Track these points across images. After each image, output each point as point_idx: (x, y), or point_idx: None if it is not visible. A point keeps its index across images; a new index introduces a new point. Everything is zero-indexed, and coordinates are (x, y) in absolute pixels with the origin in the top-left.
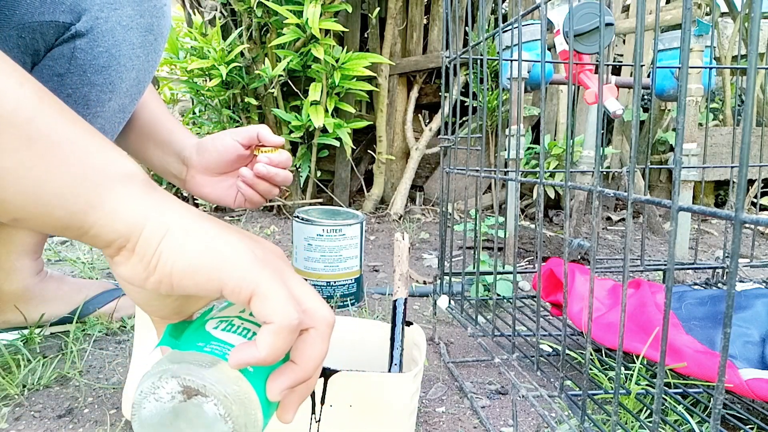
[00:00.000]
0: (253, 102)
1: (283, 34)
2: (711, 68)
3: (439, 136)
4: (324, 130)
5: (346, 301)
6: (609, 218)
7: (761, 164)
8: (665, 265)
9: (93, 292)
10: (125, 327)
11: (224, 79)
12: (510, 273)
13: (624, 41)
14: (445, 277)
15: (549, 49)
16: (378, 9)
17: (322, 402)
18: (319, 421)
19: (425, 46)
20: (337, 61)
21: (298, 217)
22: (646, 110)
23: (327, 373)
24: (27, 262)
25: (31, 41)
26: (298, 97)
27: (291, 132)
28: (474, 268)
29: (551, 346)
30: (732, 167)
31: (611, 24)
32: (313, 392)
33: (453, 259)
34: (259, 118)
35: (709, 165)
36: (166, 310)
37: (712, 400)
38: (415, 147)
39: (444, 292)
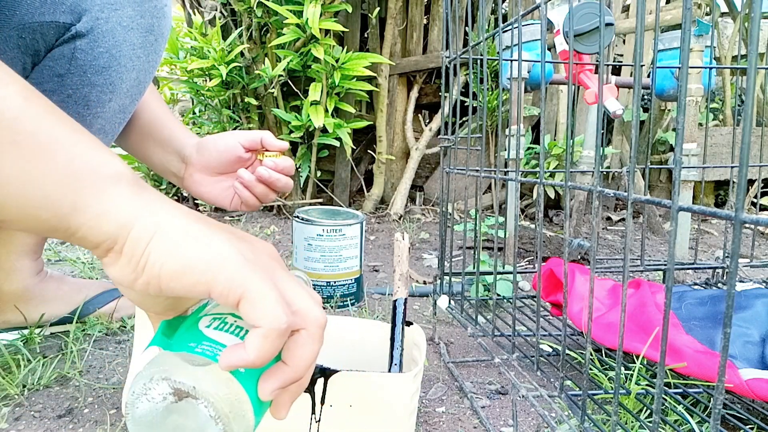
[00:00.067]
0: (253, 102)
1: (283, 34)
2: (711, 68)
3: (439, 136)
4: (324, 130)
5: (346, 301)
6: (609, 218)
7: (761, 164)
8: (665, 265)
9: (93, 292)
10: (125, 327)
11: (224, 79)
12: (510, 273)
13: (624, 41)
14: (445, 277)
15: (549, 49)
16: (378, 9)
17: (322, 402)
18: (319, 421)
19: (425, 46)
20: (337, 61)
21: (298, 217)
22: (646, 110)
23: (327, 373)
24: (27, 263)
25: (31, 42)
26: (298, 97)
27: (291, 132)
28: (474, 268)
29: (551, 346)
30: (732, 167)
31: (611, 24)
32: (313, 392)
33: (453, 259)
34: (259, 118)
35: (709, 165)
36: (159, 307)
37: (712, 400)
38: (415, 147)
39: (444, 292)
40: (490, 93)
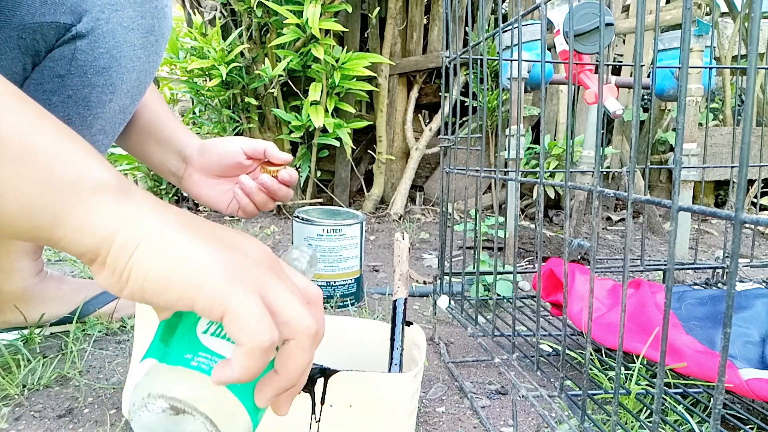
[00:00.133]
0: (253, 102)
1: (283, 34)
2: (711, 68)
3: (439, 136)
4: (324, 130)
5: (346, 301)
6: (609, 218)
7: (761, 164)
8: (665, 265)
9: (93, 292)
10: (125, 327)
11: (224, 79)
12: (510, 273)
13: (624, 41)
14: (445, 277)
15: (549, 49)
16: (378, 9)
17: (322, 402)
18: (319, 421)
19: (425, 46)
20: (337, 61)
21: (298, 217)
22: (646, 110)
23: (327, 373)
24: (27, 263)
25: (31, 42)
26: (298, 97)
27: (291, 132)
28: (474, 268)
29: (551, 346)
30: (732, 167)
31: (611, 24)
32: (313, 392)
33: (453, 259)
34: (259, 118)
35: (709, 165)
36: (156, 307)
37: (712, 400)
38: (415, 147)
39: (444, 292)
40: (490, 93)
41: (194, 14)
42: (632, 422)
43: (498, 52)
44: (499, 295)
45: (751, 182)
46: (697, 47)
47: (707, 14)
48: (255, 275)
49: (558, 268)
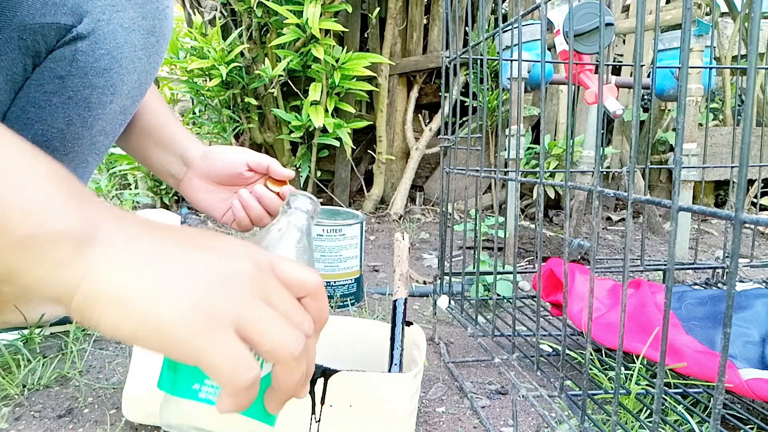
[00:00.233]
0: (253, 102)
1: (283, 34)
2: (711, 68)
3: (439, 136)
4: (324, 130)
5: (346, 301)
6: (609, 218)
7: (761, 164)
8: (665, 265)
9: None
10: None
11: (224, 79)
12: (510, 273)
13: (624, 41)
14: (445, 277)
15: (549, 49)
16: (378, 9)
17: (322, 402)
18: (319, 421)
19: (425, 46)
20: (337, 61)
21: None
22: (646, 110)
23: (327, 373)
24: None
25: (32, 43)
26: (298, 97)
27: (291, 132)
28: (474, 268)
29: (551, 346)
30: (732, 167)
31: (611, 24)
32: (313, 392)
33: (453, 259)
34: (259, 118)
35: (709, 165)
36: None
37: (712, 400)
38: (415, 147)
39: (444, 292)
40: (490, 93)
41: (194, 14)
42: (632, 422)
43: (498, 52)
44: (499, 295)
45: (751, 182)
46: (697, 47)
47: (707, 14)
48: (228, 305)
49: (558, 268)
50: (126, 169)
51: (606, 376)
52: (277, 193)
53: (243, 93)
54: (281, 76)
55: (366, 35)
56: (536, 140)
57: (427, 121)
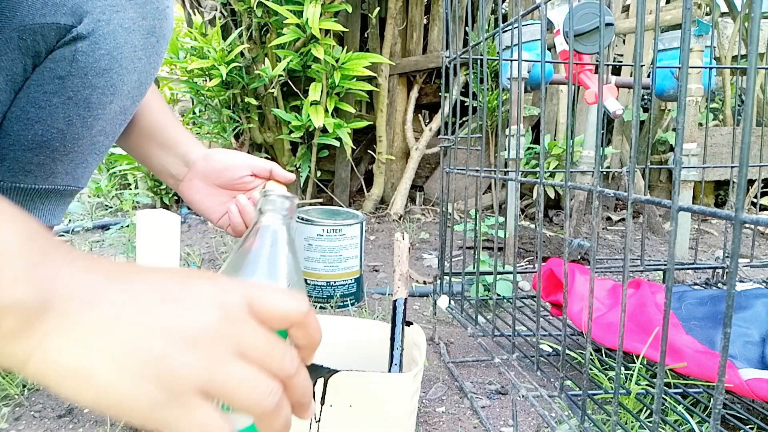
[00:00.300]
0: (253, 102)
1: (283, 34)
2: (711, 68)
3: (439, 136)
4: (324, 130)
5: (346, 301)
6: (609, 218)
7: (761, 164)
8: (665, 265)
9: None
10: None
11: (224, 79)
12: (510, 273)
13: (624, 41)
14: (445, 277)
15: (549, 49)
16: (378, 9)
17: (322, 402)
18: (319, 421)
19: (425, 46)
20: (337, 61)
21: (298, 217)
22: (646, 110)
23: (327, 373)
24: None
25: (32, 43)
26: (298, 97)
27: (291, 132)
28: (474, 268)
29: (551, 346)
30: (732, 167)
31: (611, 24)
32: (314, 392)
33: (453, 259)
34: (259, 118)
35: (709, 165)
36: None
37: (712, 400)
38: (415, 147)
39: (444, 292)
40: (490, 93)
41: (194, 14)
42: (632, 422)
43: (498, 52)
44: (499, 295)
45: (751, 182)
46: (697, 47)
47: (707, 14)
48: (191, 370)
49: (558, 268)
50: (126, 169)
51: (606, 376)
52: None
53: (243, 93)
54: (281, 76)
55: (366, 35)
56: (536, 140)
57: (427, 121)
